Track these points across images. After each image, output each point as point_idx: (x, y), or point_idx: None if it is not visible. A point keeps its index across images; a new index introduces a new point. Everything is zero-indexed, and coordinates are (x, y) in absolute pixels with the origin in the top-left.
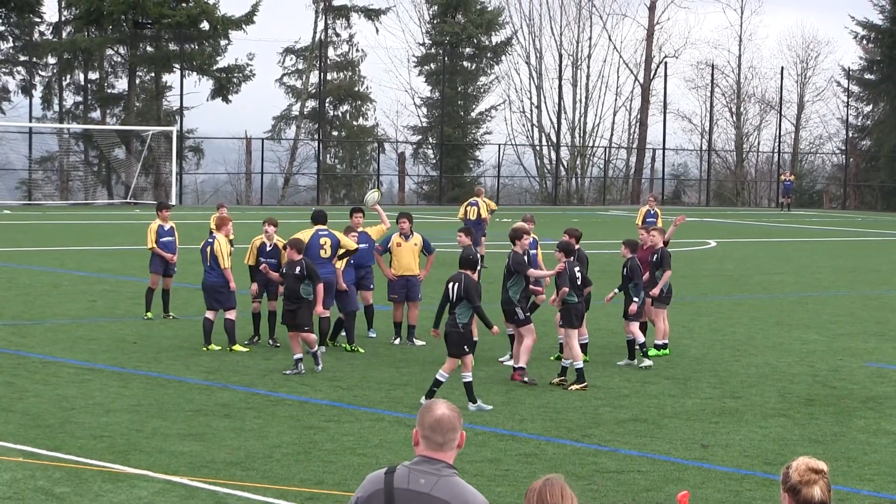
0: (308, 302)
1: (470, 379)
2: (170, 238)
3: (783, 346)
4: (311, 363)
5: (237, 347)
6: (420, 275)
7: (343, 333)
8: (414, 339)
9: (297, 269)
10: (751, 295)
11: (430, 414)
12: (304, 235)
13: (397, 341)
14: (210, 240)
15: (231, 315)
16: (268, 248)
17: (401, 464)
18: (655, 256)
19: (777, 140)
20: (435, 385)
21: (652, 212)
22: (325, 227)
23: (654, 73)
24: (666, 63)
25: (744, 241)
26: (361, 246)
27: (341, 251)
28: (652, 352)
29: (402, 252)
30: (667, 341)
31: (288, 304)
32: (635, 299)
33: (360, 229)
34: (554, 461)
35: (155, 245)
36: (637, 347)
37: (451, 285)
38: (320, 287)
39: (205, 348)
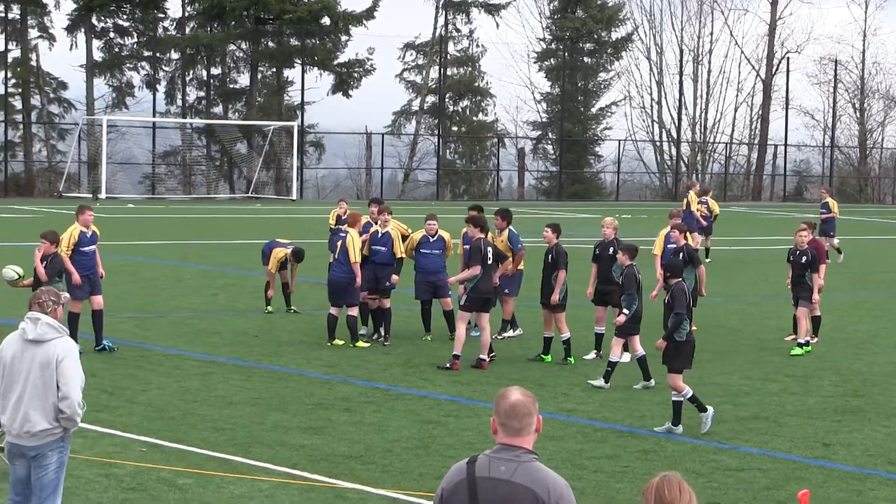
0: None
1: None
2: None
3: None
4: None
5: (360, 344)
6: (499, 273)
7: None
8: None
9: (45, 263)
10: (874, 293)
11: (505, 401)
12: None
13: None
14: (343, 234)
15: (353, 311)
16: (379, 235)
17: (482, 453)
18: (805, 258)
19: None
20: (683, 408)
21: (703, 199)
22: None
23: (776, 69)
24: (788, 58)
25: (867, 238)
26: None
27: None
28: (797, 350)
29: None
30: (808, 339)
31: None
32: (625, 311)
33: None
34: (673, 458)
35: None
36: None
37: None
38: (75, 276)
39: (329, 343)
